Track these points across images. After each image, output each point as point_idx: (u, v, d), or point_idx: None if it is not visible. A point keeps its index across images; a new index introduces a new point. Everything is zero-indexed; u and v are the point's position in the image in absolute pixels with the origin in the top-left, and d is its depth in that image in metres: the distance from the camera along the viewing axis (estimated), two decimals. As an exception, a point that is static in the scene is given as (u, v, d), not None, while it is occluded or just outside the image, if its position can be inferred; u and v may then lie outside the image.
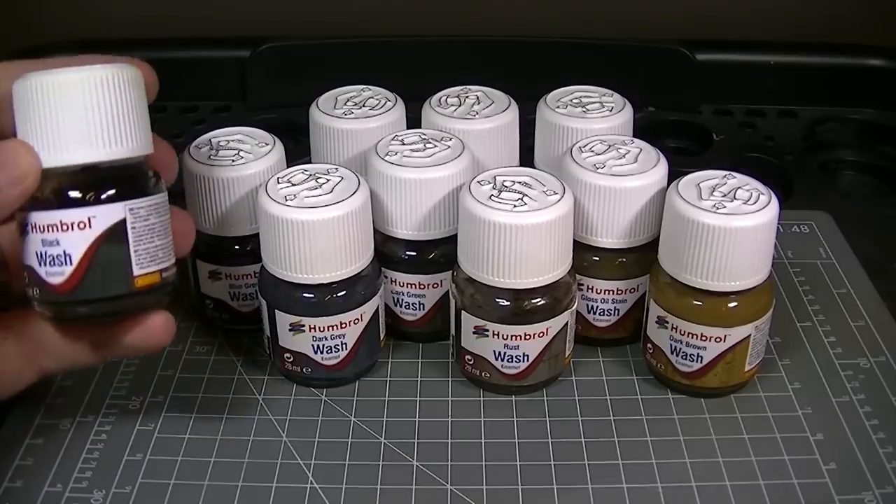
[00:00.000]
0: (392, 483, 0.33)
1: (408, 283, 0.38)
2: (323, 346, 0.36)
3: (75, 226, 0.28)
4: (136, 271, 0.29)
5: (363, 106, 0.41)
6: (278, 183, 0.35)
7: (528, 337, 0.35)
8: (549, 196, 0.34)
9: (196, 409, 0.36)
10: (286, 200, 0.34)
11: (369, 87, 0.43)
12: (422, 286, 0.38)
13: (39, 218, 0.28)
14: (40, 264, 0.28)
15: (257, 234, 0.36)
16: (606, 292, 0.39)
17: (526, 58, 0.59)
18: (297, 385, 0.38)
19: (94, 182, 0.28)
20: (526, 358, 0.36)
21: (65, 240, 0.28)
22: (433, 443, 0.35)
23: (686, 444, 0.35)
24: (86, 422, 0.36)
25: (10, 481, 0.33)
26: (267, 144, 0.38)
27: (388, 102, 0.42)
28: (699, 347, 0.36)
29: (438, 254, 0.38)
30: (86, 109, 0.28)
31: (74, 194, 0.28)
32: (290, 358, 0.37)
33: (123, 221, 0.28)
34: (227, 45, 0.60)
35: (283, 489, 0.33)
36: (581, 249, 0.37)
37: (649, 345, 0.38)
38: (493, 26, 0.63)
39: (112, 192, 0.28)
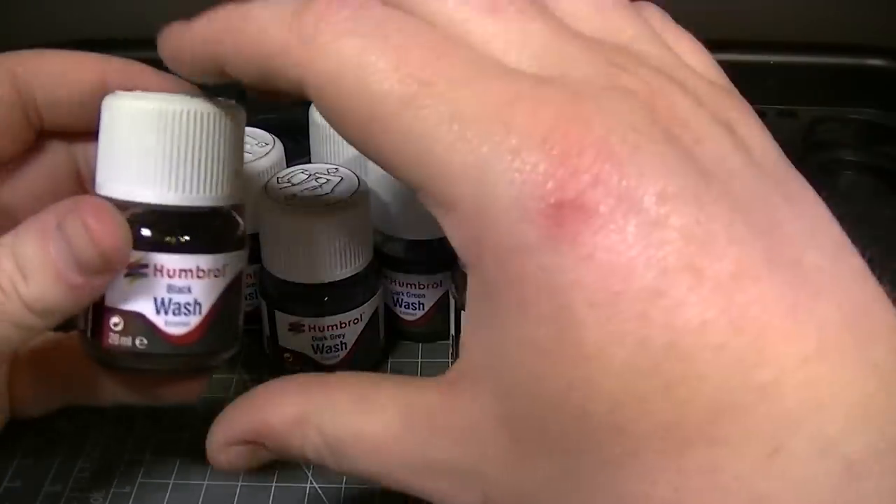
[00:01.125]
0: (392, 483, 0.33)
1: (408, 283, 0.38)
2: (323, 346, 0.36)
3: (211, 273, 0.25)
4: (240, 322, 0.27)
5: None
6: (278, 183, 0.35)
7: (527, 337, 0.35)
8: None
9: (196, 408, 0.36)
10: (286, 200, 0.34)
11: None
12: (422, 286, 0.38)
13: (169, 261, 0.24)
14: (158, 312, 0.24)
15: (257, 234, 0.36)
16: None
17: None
18: (297, 385, 0.38)
19: (228, 228, 0.26)
20: (526, 358, 0.36)
21: (198, 287, 0.25)
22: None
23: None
24: (86, 421, 0.36)
25: (10, 481, 0.33)
26: (267, 144, 0.38)
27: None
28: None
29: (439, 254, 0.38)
30: (221, 150, 0.25)
31: (211, 240, 0.25)
32: (289, 358, 0.37)
33: (241, 273, 0.26)
34: (227, 45, 0.60)
35: (283, 489, 0.33)
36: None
37: (649, 345, 0.37)
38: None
39: (238, 239, 0.26)
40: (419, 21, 0.19)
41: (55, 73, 0.27)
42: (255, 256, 0.37)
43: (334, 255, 0.34)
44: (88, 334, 0.25)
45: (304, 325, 0.36)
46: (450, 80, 0.18)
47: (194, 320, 0.25)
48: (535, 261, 0.17)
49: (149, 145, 0.24)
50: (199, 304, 0.25)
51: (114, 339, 0.25)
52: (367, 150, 0.19)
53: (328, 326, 0.36)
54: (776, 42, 0.59)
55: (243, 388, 0.38)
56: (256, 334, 0.39)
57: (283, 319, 0.36)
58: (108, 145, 0.24)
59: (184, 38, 0.23)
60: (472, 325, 0.20)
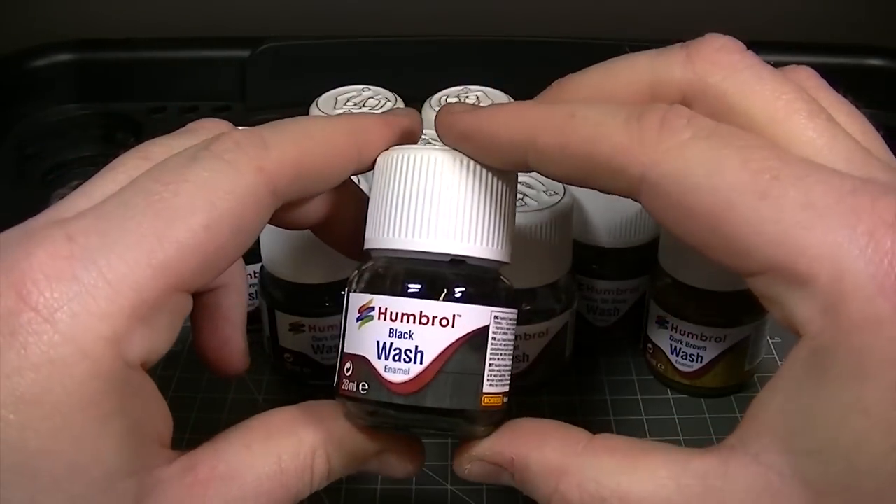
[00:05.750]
0: (392, 483, 0.33)
1: (408, 283, 0.38)
2: (323, 346, 0.36)
3: (437, 321, 0.24)
4: (486, 388, 0.25)
5: (363, 106, 0.41)
6: (278, 183, 0.35)
7: (528, 337, 0.35)
8: (549, 196, 0.34)
9: (196, 409, 0.36)
10: (286, 200, 0.34)
11: (369, 87, 0.43)
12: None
13: (392, 304, 0.24)
14: (379, 356, 0.24)
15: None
16: (606, 292, 0.39)
17: (526, 58, 0.59)
18: (297, 385, 0.38)
19: (464, 278, 0.24)
20: (526, 358, 0.36)
21: (420, 334, 0.24)
22: (433, 443, 0.35)
23: (686, 444, 0.34)
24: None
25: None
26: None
27: (388, 102, 0.42)
28: (699, 347, 0.36)
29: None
30: (471, 199, 0.24)
31: (440, 286, 0.24)
32: (290, 358, 0.37)
33: (486, 329, 0.24)
34: (227, 45, 0.60)
35: (283, 489, 0.33)
36: (582, 250, 0.37)
37: (649, 345, 0.38)
38: (492, 26, 0.63)
39: (481, 292, 0.24)
40: (743, 129, 0.22)
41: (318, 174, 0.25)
42: (255, 256, 0.37)
43: (334, 256, 0.34)
44: (333, 383, 0.25)
45: (304, 325, 0.36)
46: (794, 174, 0.20)
47: (415, 369, 0.24)
48: (885, 333, 0.19)
49: (388, 191, 0.25)
50: (421, 353, 0.24)
51: (343, 385, 0.25)
52: (712, 238, 0.21)
53: (328, 326, 0.36)
54: (776, 42, 0.59)
55: (244, 388, 0.38)
56: (256, 334, 0.39)
57: (283, 319, 0.36)
58: (398, 197, 0.24)
59: (484, 124, 0.24)
60: (782, 392, 0.21)
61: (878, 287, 0.19)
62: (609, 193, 0.23)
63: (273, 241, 0.35)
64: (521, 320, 0.35)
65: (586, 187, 0.23)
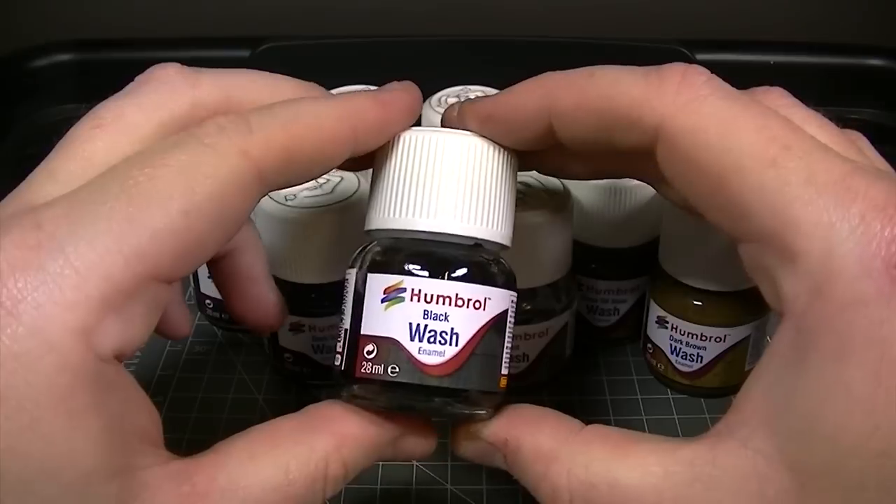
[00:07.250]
0: (392, 483, 0.33)
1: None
2: (323, 346, 0.36)
3: (471, 304, 0.24)
4: (503, 370, 0.25)
5: (363, 106, 0.41)
6: (278, 183, 0.35)
7: (528, 337, 0.35)
8: (549, 196, 0.34)
9: (196, 409, 0.36)
10: (286, 200, 0.34)
11: (369, 87, 0.43)
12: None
13: (427, 286, 0.24)
14: (412, 338, 0.24)
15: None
16: (606, 292, 0.39)
17: (526, 58, 0.58)
18: (297, 385, 0.38)
19: (492, 262, 0.25)
20: (526, 358, 0.36)
21: (456, 316, 0.24)
22: (433, 443, 0.35)
23: (686, 444, 0.34)
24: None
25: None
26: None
27: (388, 102, 0.42)
28: (699, 347, 0.36)
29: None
30: (504, 183, 0.25)
31: (474, 270, 0.24)
32: (289, 358, 0.37)
33: (506, 312, 0.25)
34: (227, 45, 0.60)
35: (283, 489, 0.33)
36: (582, 250, 0.37)
37: (649, 345, 0.38)
38: (492, 26, 0.63)
39: (504, 276, 0.25)
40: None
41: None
42: (255, 256, 0.37)
43: (335, 255, 0.34)
44: (342, 367, 0.25)
45: (304, 325, 0.36)
46: (803, 148, 0.21)
47: (450, 351, 0.24)
48: (868, 314, 0.19)
49: (421, 174, 0.25)
50: (457, 335, 0.24)
51: (368, 368, 0.24)
52: (715, 198, 0.21)
53: (328, 326, 0.36)
54: (776, 42, 0.59)
55: (244, 387, 0.38)
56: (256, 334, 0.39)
57: (283, 319, 0.36)
58: (422, 179, 0.25)
59: (505, 100, 0.25)
60: (767, 375, 0.21)
61: (864, 269, 0.19)
62: (626, 152, 0.23)
63: (273, 240, 0.34)
64: (521, 320, 0.35)
65: (606, 146, 0.23)
